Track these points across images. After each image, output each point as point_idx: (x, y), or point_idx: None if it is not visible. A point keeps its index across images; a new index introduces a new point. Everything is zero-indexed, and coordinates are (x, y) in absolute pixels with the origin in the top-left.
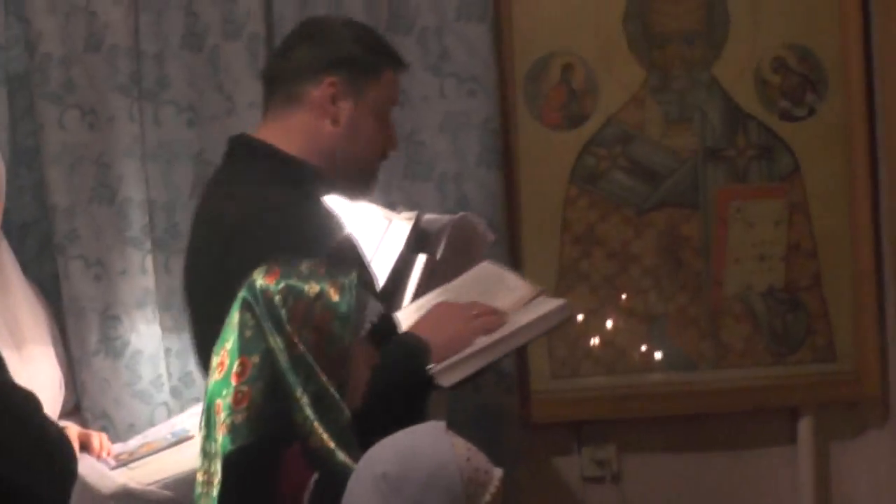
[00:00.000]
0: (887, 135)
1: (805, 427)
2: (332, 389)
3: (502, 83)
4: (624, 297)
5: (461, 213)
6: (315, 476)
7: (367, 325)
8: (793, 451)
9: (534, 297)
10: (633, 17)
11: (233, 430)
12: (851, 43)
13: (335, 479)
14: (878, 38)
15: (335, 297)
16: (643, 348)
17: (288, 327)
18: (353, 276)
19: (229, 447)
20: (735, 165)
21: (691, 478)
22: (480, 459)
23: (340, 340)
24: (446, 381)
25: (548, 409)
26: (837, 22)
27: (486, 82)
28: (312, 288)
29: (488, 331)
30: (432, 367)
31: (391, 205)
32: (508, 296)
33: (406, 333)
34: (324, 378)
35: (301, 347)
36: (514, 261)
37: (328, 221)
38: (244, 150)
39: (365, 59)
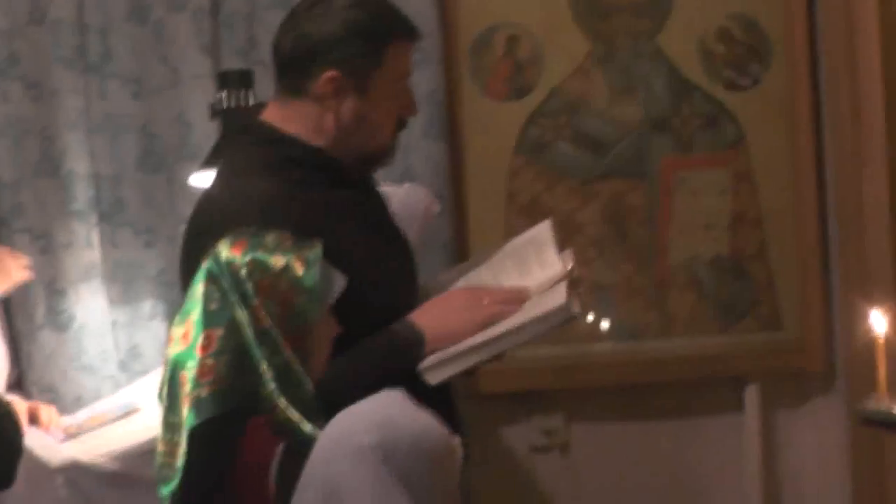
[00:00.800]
0: (831, 104)
1: (751, 396)
2: (296, 363)
3: (447, 55)
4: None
5: (406, 185)
6: (281, 446)
7: (332, 299)
8: (739, 419)
9: (559, 280)
10: None
11: (198, 403)
12: (796, 13)
13: (303, 449)
14: (822, 7)
15: (300, 271)
16: (590, 318)
17: (254, 300)
18: (318, 248)
19: (194, 421)
20: (680, 135)
21: (639, 447)
22: (444, 426)
23: (305, 314)
24: (433, 378)
25: (496, 379)
26: None
27: (432, 54)
28: (278, 261)
29: (491, 324)
30: (422, 365)
31: None
32: (539, 274)
33: (404, 323)
34: (288, 352)
35: (267, 321)
36: (460, 232)
37: (303, 214)
38: (246, 131)
39: (363, 49)
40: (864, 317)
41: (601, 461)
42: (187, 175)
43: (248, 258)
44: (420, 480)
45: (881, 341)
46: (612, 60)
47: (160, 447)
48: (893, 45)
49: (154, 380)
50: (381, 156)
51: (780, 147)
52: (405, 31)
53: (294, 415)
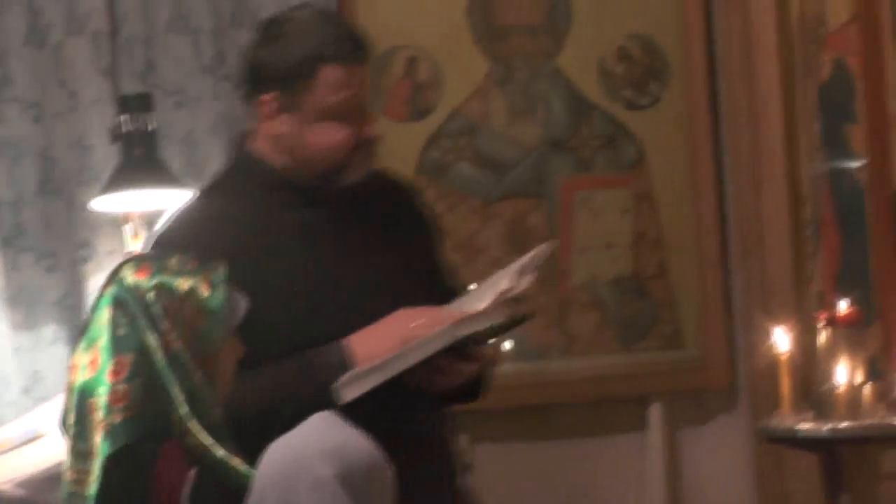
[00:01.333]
0: (730, 123)
1: (654, 415)
2: (205, 387)
3: None
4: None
5: None
6: (193, 471)
7: (236, 322)
8: (642, 438)
9: (495, 300)
10: (477, 10)
11: (112, 430)
12: (694, 33)
13: (215, 474)
14: (720, 27)
15: (206, 294)
16: (492, 339)
17: (164, 324)
18: (222, 270)
19: (109, 449)
20: (580, 155)
21: (543, 467)
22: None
23: (211, 337)
24: (344, 396)
25: None
26: (680, 12)
27: None
28: (183, 284)
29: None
30: (337, 382)
31: None
32: (490, 292)
33: (333, 344)
34: (198, 375)
35: (177, 344)
36: None
37: (232, 236)
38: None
39: (291, 69)
40: (766, 334)
41: (506, 482)
42: (88, 199)
43: (154, 282)
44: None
45: (784, 359)
46: (511, 81)
47: (69, 476)
48: (791, 63)
49: (58, 405)
50: (336, 175)
51: (680, 166)
52: (337, 52)
53: (206, 439)
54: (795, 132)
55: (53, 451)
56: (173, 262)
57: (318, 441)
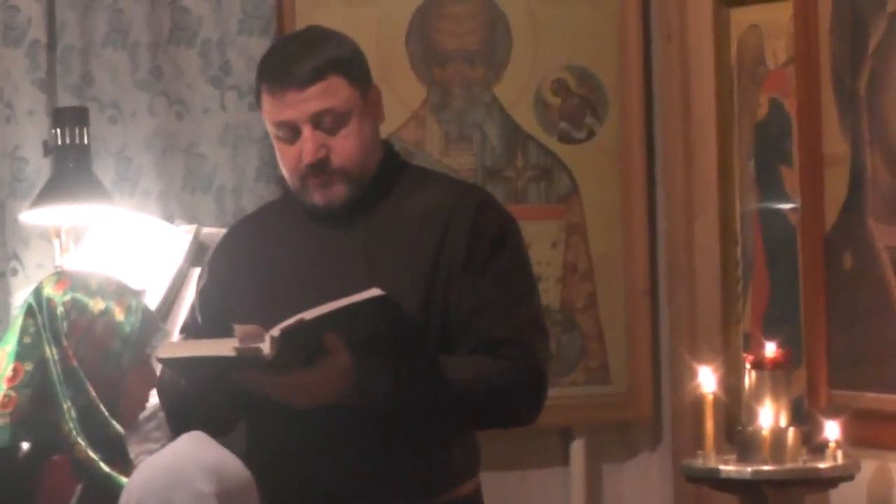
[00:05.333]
0: (665, 158)
1: (577, 448)
2: (101, 405)
3: None
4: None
5: None
6: (80, 487)
7: (151, 349)
8: (565, 472)
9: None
10: (415, 36)
11: None
12: (632, 66)
13: (101, 489)
14: (659, 61)
15: (120, 317)
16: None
17: (64, 340)
18: (140, 297)
19: None
20: (514, 186)
21: None
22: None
23: (118, 359)
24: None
25: None
26: (617, 44)
27: None
28: (97, 304)
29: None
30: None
31: (169, 217)
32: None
33: None
34: (93, 393)
35: (74, 362)
36: None
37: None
38: None
39: (255, 86)
40: (692, 372)
41: None
42: (19, 211)
43: (67, 297)
44: None
45: (709, 399)
46: (447, 108)
47: None
48: (728, 100)
49: None
50: (298, 191)
51: (613, 199)
52: (268, 79)
53: (94, 455)
54: (730, 170)
55: None
56: (93, 281)
57: (194, 458)
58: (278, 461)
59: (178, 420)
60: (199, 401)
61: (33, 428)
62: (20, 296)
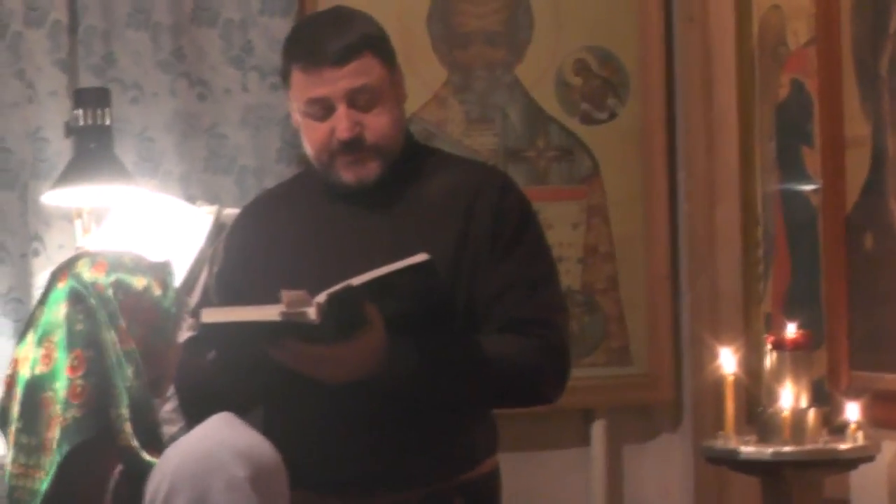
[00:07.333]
0: (686, 139)
1: (598, 430)
2: (147, 389)
3: None
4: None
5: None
6: (120, 468)
7: (185, 322)
8: (586, 453)
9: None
10: (437, 18)
11: (74, 424)
12: (653, 48)
13: (139, 475)
14: (680, 43)
15: (158, 292)
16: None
17: (120, 321)
18: (170, 269)
19: (68, 444)
20: (535, 167)
21: None
22: None
23: (165, 334)
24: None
25: None
26: (639, 25)
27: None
28: (140, 281)
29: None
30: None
31: (191, 198)
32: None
33: None
34: (143, 378)
35: (132, 343)
36: None
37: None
38: None
39: (281, 71)
40: (713, 353)
41: None
42: (41, 192)
43: (112, 278)
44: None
45: (730, 380)
46: (469, 90)
47: (13, 469)
48: (750, 81)
49: None
50: (325, 168)
51: (635, 181)
52: (300, 56)
53: (134, 441)
54: (751, 151)
55: None
56: (127, 259)
57: (227, 442)
58: (298, 442)
59: (195, 403)
60: (223, 379)
61: (101, 415)
62: (42, 277)
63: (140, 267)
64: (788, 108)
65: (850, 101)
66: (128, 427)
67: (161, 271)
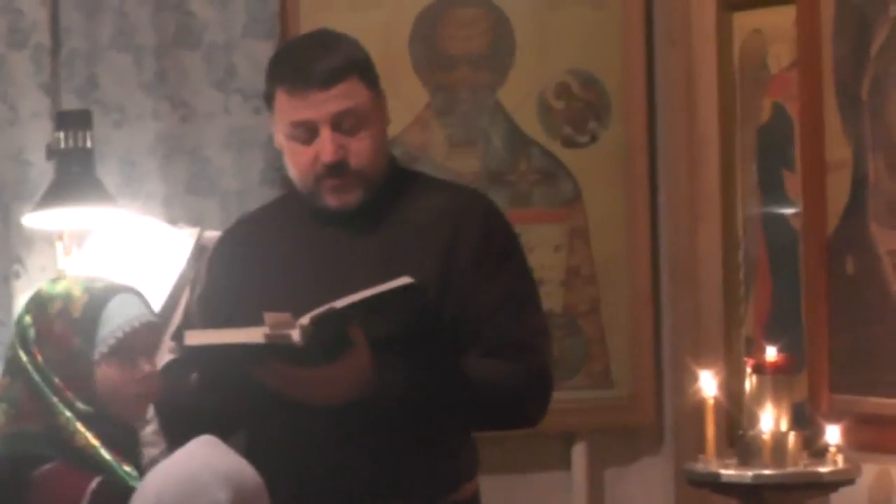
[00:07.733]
0: (668, 162)
1: (579, 452)
2: (83, 408)
3: None
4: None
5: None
6: (93, 486)
7: (112, 341)
8: (567, 476)
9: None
10: (419, 40)
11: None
12: (635, 70)
13: (114, 482)
14: (661, 65)
15: (76, 314)
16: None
17: (33, 347)
18: (117, 292)
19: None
20: (517, 190)
21: None
22: None
23: (85, 356)
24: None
25: None
26: (621, 49)
27: None
28: (55, 305)
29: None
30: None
31: (174, 220)
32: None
33: None
34: (70, 394)
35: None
36: None
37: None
38: None
39: (265, 93)
40: (694, 376)
41: None
42: (22, 214)
43: (32, 301)
44: None
45: (711, 403)
46: (451, 112)
47: None
48: (731, 103)
49: None
50: (310, 193)
51: (616, 204)
52: (286, 78)
53: (94, 440)
54: (733, 174)
55: None
56: (98, 284)
57: (210, 465)
58: (280, 463)
59: (176, 425)
60: (206, 402)
61: (19, 437)
62: (22, 299)
63: (75, 285)
64: (770, 131)
65: (831, 124)
66: (81, 427)
67: (105, 298)
